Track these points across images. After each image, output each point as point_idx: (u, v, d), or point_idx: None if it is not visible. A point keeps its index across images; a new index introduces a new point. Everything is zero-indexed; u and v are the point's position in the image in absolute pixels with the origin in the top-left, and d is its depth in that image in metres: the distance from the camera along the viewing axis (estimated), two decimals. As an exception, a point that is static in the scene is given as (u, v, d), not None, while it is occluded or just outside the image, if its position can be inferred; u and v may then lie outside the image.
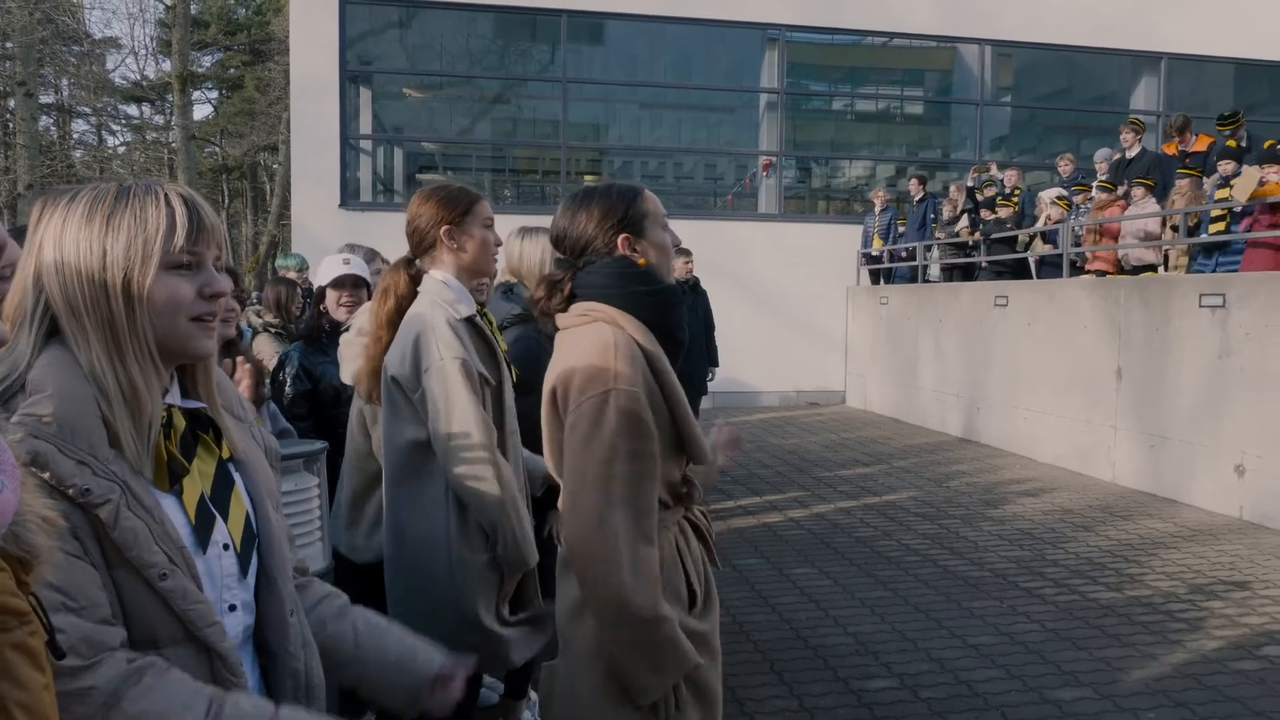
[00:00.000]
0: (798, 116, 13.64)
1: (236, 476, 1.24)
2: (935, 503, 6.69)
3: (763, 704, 3.53)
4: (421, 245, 2.35)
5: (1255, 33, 12.80)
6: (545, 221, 3.28)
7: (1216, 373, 6.46)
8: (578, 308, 1.74)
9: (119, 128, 31.78)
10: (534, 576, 2.46)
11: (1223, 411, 6.39)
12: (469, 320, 2.29)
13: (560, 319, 1.78)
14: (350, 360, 2.92)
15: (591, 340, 1.66)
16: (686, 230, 12.24)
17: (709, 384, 7.54)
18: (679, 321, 1.79)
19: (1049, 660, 3.90)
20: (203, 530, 1.14)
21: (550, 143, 13.15)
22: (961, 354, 9.71)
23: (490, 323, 2.42)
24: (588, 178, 13.75)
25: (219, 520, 1.17)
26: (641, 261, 1.76)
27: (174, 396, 1.18)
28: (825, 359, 12.37)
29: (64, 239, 1.08)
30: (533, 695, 3.37)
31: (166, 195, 1.12)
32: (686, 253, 7.50)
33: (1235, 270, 7.04)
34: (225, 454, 1.23)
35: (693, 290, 7.42)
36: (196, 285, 1.13)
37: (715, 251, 10.94)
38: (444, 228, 2.31)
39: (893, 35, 13.24)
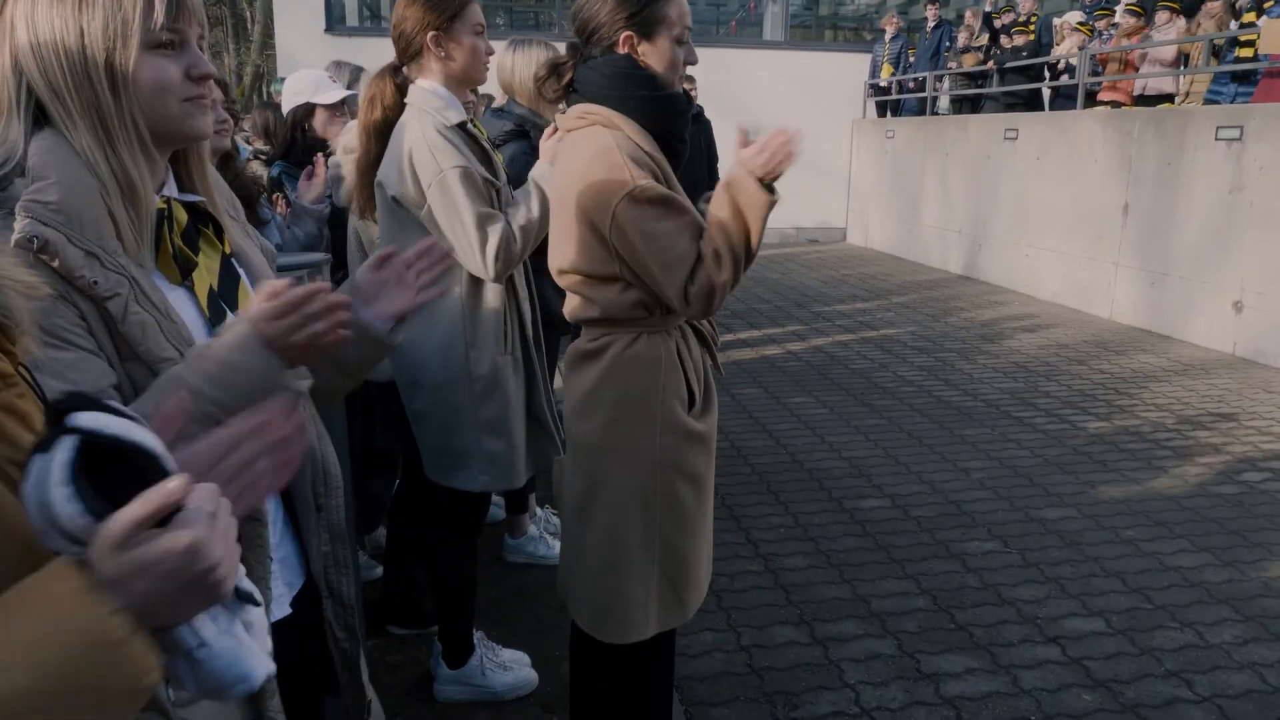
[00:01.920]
0: (809, -67, 12.80)
1: (241, 272, 1.22)
2: (932, 337, 6.75)
3: (759, 521, 3.67)
4: (407, 52, 2.23)
5: None
6: (543, 39, 3.11)
7: (1225, 208, 6.36)
8: (578, 108, 1.71)
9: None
10: (547, 387, 2.49)
11: (1228, 248, 6.34)
12: (460, 127, 2.20)
13: (562, 120, 1.75)
14: (339, 181, 2.86)
15: (592, 147, 1.64)
16: (690, 56, 11.53)
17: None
18: (680, 132, 1.74)
19: (1036, 483, 4.04)
20: (216, 322, 1.13)
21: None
22: (967, 190, 9.54)
23: (481, 132, 2.33)
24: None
25: (230, 315, 1.16)
26: (643, 63, 1.69)
27: (170, 190, 1.14)
28: (827, 195, 12.16)
29: (35, 18, 1.02)
30: (537, 510, 3.50)
31: None
32: (689, 79, 7.22)
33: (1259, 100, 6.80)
34: (228, 249, 1.20)
35: (695, 120, 7.18)
36: (183, 66, 1.07)
37: (717, 81, 10.48)
38: (430, 34, 2.17)
39: None
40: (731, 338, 6.69)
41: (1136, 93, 8.15)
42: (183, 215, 1.13)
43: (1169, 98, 7.95)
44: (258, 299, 1.07)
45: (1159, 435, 4.64)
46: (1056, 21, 9.57)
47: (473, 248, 2.14)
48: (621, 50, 1.69)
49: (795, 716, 2.47)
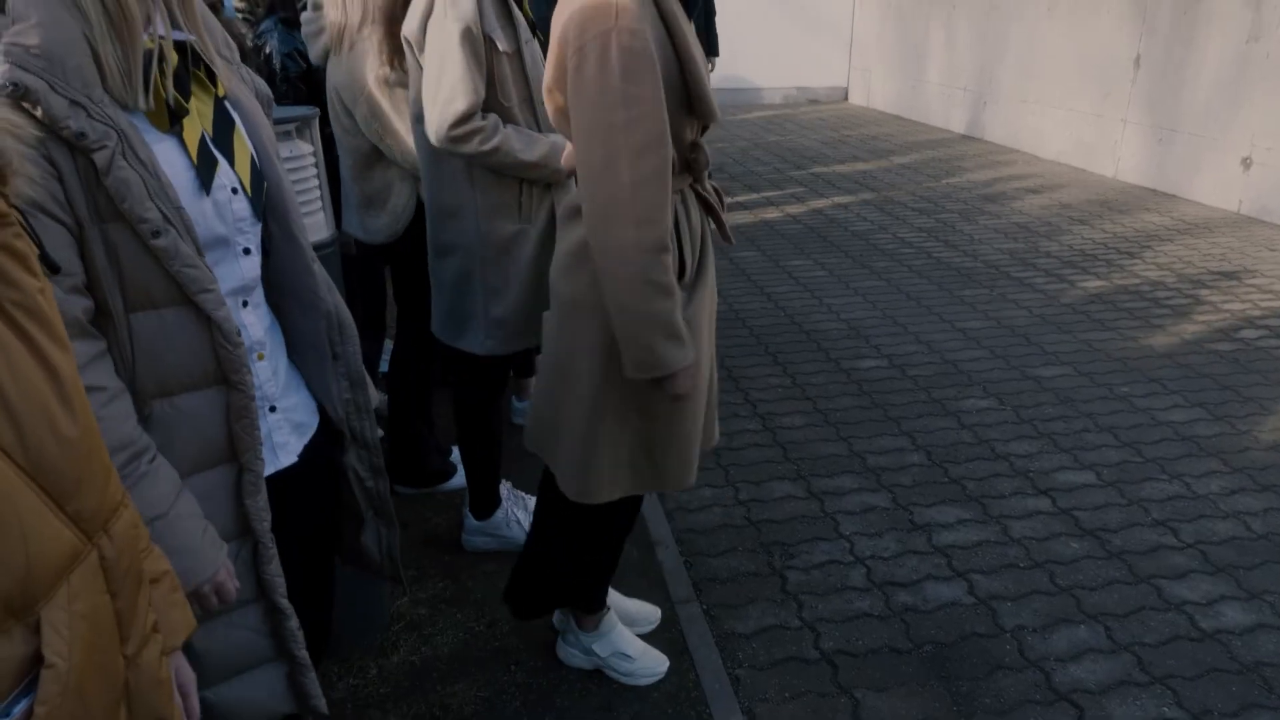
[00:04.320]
0: None
1: (235, 116, 1.17)
2: (933, 198, 6.63)
3: (757, 381, 3.70)
4: None
5: None
6: None
7: (1241, 60, 6.13)
8: None
9: None
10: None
11: (1240, 101, 6.15)
12: None
13: None
14: (314, 38, 2.71)
15: None
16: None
17: (709, 74, 7.18)
18: None
19: (1033, 342, 4.05)
20: (205, 171, 1.09)
21: None
22: (973, 44, 9.17)
23: None
24: None
25: (223, 162, 1.12)
26: None
27: (158, 28, 1.07)
28: (829, 53, 11.70)
29: None
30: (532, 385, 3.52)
31: None
32: (686, -77, 6.81)
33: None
34: (220, 92, 1.15)
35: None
36: None
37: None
38: None
39: None
40: (729, 200, 6.58)
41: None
42: (173, 56, 1.07)
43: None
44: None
45: (1158, 294, 4.63)
46: None
47: (436, 106, 2.07)
48: None
49: (791, 565, 2.55)
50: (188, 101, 1.09)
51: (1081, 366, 3.81)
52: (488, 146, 2.10)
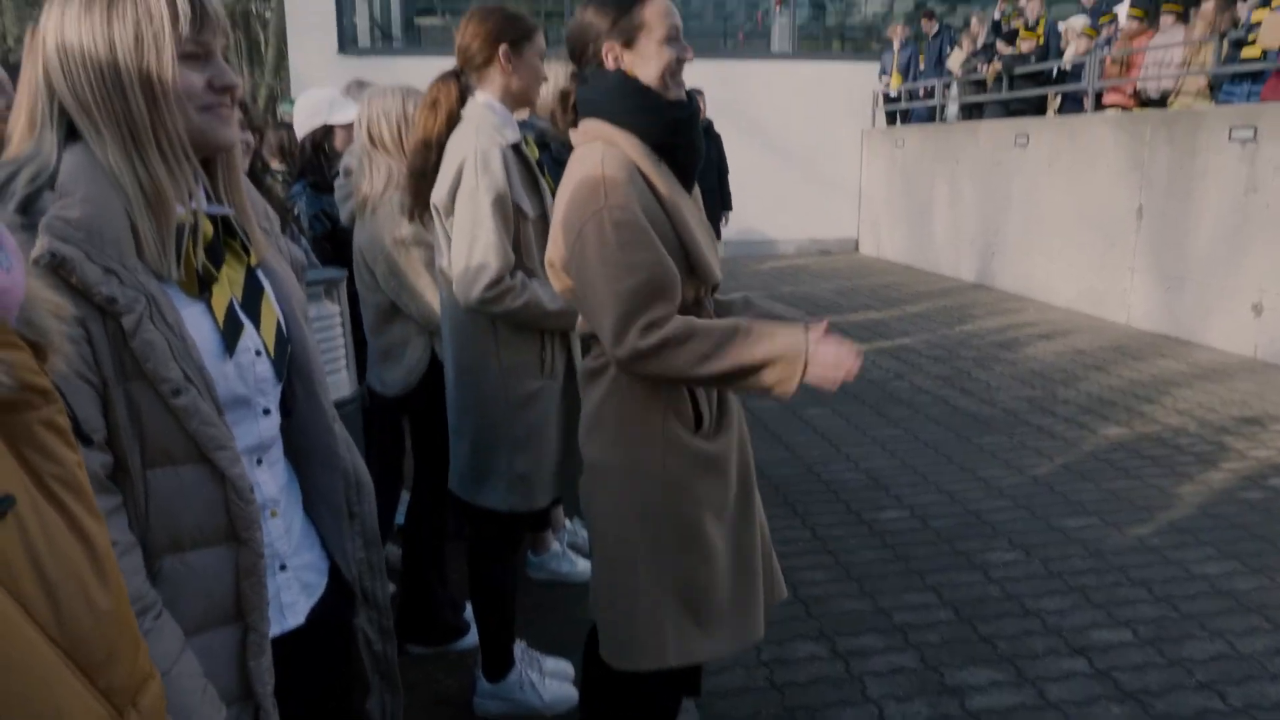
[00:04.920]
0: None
1: (265, 283, 1.23)
2: (947, 345, 6.70)
3: (777, 534, 3.62)
4: (474, 62, 2.27)
5: None
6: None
7: (1240, 210, 6.30)
8: (581, 126, 1.69)
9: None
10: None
11: (1244, 250, 6.28)
12: (515, 147, 2.23)
13: (572, 137, 1.73)
14: (345, 201, 2.88)
15: (583, 161, 1.62)
16: (696, 71, 11.65)
17: (722, 229, 7.44)
18: (683, 140, 1.68)
19: (1056, 491, 3.99)
20: (230, 335, 1.14)
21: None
22: (978, 197, 9.50)
23: (534, 152, 2.36)
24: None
25: (248, 327, 1.17)
26: (632, 73, 1.65)
27: (200, 202, 1.15)
28: (839, 205, 12.14)
29: (65, 32, 1.03)
30: (566, 523, 3.49)
31: None
32: (698, 93, 7.24)
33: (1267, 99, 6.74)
34: (254, 261, 1.21)
35: (705, 134, 7.19)
36: (206, 77, 1.08)
37: (727, 93, 10.52)
38: (504, 46, 2.24)
39: None
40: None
41: (1142, 96, 8.09)
42: (209, 228, 1.14)
43: (1166, 99, 7.89)
44: None
45: (1181, 441, 4.58)
46: (1062, 26, 9.55)
47: (468, 269, 2.16)
48: (609, 64, 1.66)
49: (818, 733, 2.43)
50: (219, 269, 1.14)
51: (1108, 516, 3.73)
52: (518, 303, 2.18)
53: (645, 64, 1.65)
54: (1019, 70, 9.49)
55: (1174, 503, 3.85)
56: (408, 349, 2.73)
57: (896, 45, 11.49)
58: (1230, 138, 6.38)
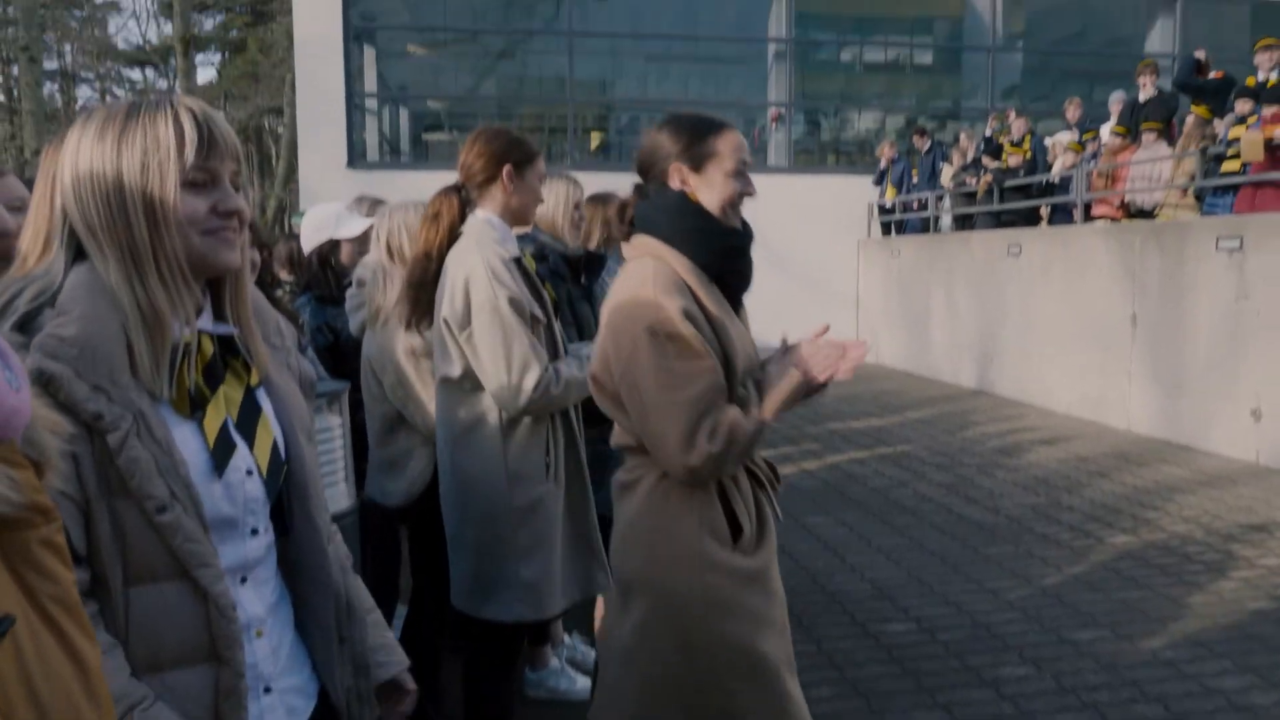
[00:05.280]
0: (806, 68, 13.43)
1: (265, 404, 1.23)
2: (949, 452, 6.69)
3: (782, 648, 3.56)
4: (477, 179, 2.36)
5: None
6: (572, 174, 3.27)
7: (1233, 317, 6.40)
8: (634, 240, 1.73)
9: (122, 92, 31.58)
10: (594, 516, 2.50)
11: (1239, 356, 6.34)
12: (515, 261, 2.30)
13: (624, 249, 1.77)
14: (355, 312, 2.94)
15: (632, 275, 1.66)
16: (696, 184, 11.96)
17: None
18: (733, 266, 1.73)
19: (1066, 602, 3.92)
20: (221, 455, 1.13)
21: (556, 98, 13.00)
22: (974, 305, 9.65)
23: (532, 263, 2.43)
24: (594, 134, 13.62)
25: (241, 447, 1.17)
26: (694, 197, 1.69)
27: (205, 321, 1.17)
28: (838, 313, 12.30)
29: (79, 158, 1.08)
30: (565, 639, 3.41)
31: (176, 111, 1.09)
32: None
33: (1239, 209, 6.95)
34: (254, 381, 1.22)
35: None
36: (211, 201, 1.11)
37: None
38: (509, 166, 2.33)
39: (902, -20, 12.98)
40: (746, 457, 6.65)
41: (1130, 208, 8.34)
42: (209, 348, 1.15)
43: (1153, 212, 8.13)
44: None
45: (1189, 549, 4.53)
46: (1048, 141, 9.90)
47: (510, 377, 2.21)
48: (673, 184, 1.71)
49: None
50: (216, 389, 1.15)
51: (1120, 628, 3.65)
52: (559, 389, 2.25)
53: (709, 191, 1.70)
54: (1008, 183, 9.79)
55: (1185, 613, 3.77)
56: (412, 459, 2.74)
57: (885, 162, 11.88)
58: (1217, 247, 6.53)
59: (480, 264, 2.23)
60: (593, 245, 3.88)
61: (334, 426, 2.13)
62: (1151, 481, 5.78)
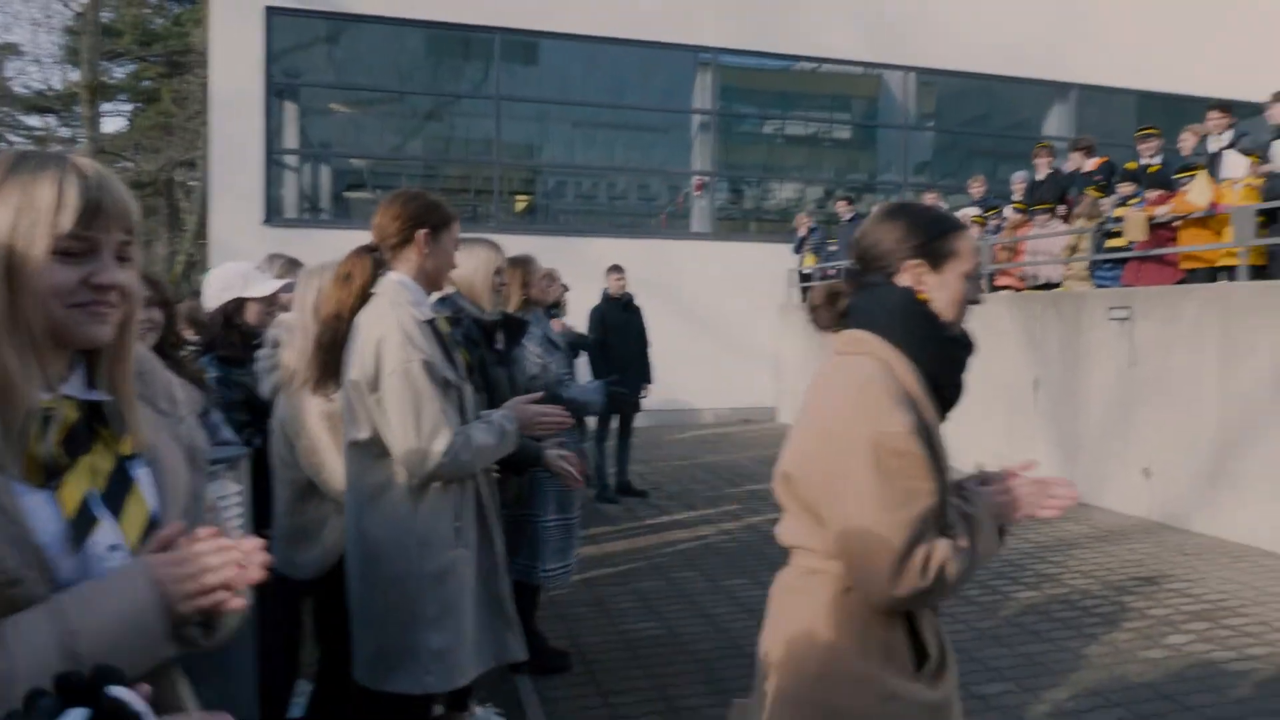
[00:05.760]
0: (730, 138, 13.88)
1: (140, 475, 1.14)
2: (864, 512, 6.83)
3: (700, 713, 3.57)
4: (391, 241, 2.36)
5: (1154, 67, 13.54)
6: (490, 238, 3.31)
7: (1125, 381, 6.78)
8: (850, 334, 1.58)
9: (18, 139, 30.46)
10: (507, 582, 2.48)
11: (1131, 419, 6.71)
12: (429, 323, 2.31)
13: (836, 341, 1.62)
14: (268, 373, 2.87)
15: (851, 373, 1.51)
16: (621, 249, 12.30)
17: (643, 400, 7.62)
18: (956, 378, 1.61)
19: (975, 657, 4.03)
20: (80, 529, 1.05)
21: (483, 160, 13.14)
22: (888, 368, 9.95)
23: (446, 326, 2.45)
24: (520, 198, 13.79)
25: (106, 521, 1.08)
26: (923, 296, 1.57)
27: (74, 387, 1.09)
28: (758, 376, 12.56)
29: None
30: (477, 711, 3.34)
31: (64, 171, 1.03)
32: (619, 269, 7.60)
33: (1125, 281, 7.43)
34: (127, 450, 1.13)
35: (625, 309, 7.51)
36: (83, 273, 1.04)
37: (650, 270, 11.05)
38: (425, 230, 2.34)
39: (821, 61, 13.62)
40: (667, 519, 6.70)
41: (1029, 282, 8.81)
42: (71, 414, 1.07)
43: (1056, 285, 8.61)
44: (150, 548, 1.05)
45: (1087, 602, 4.72)
46: (960, 214, 10.42)
47: (419, 441, 2.18)
48: (904, 280, 1.57)
49: None
50: (75, 459, 1.07)
51: (1024, 681, 3.78)
52: (468, 455, 2.23)
53: (943, 292, 1.58)
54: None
55: (1084, 664, 3.93)
56: (325, 529, 2.66)
57: (803, 230, 12.30)
58: (1109, 317, 6.94)
59: (393, 326, 2.22)
60: (512, 309, 3.92)
61: (231, 493, 2.08)
62: (1053, 538, 6.02)
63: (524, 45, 12.82)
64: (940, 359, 1.57)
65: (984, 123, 15.00)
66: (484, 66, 12.89)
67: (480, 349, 3.11)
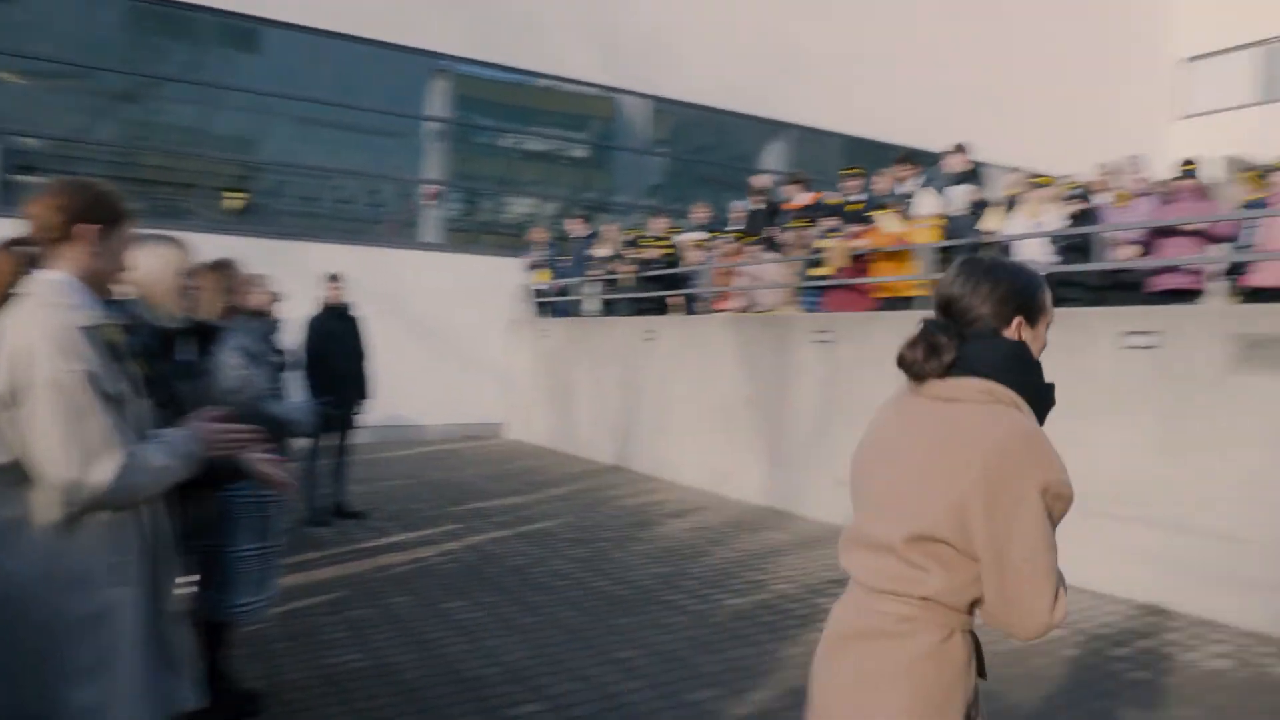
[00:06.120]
0: (465, 149, 13.66)
1: None
2: (587, 527, 6.91)
3: (406, 744, 3.36)
4: (52, 235, 2.03)
5: (858, 111, 15.14)
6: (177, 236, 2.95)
7: (826, 399, 7.40)
8: (977, 384, 1.67)
9: None
10: (178, 622, 2.19)
11: (829, 433, 7.33)
12: (95, 329, 1.99)
13: (940, 388, 1.70)
14: None
15: (1009, 427, 1.62)
16: (345, 256, 11.71)
17: (357, 416, 7.21)
18: (1046, 415, 1.74)
19: (686, 665, 4.15)
20: None
21: (189, 151, 11.94)
22: (615, 385, 10.22)
23: (118, 334, 2.10)
24: (231, 194, 12.67)
25: None
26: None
27: None
28: (487, 392, 12.40)
29: None
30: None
31: None
32: (336, 277, 7.17)
33: (827, 308, 8.16)
34: None
35: (342, 319, 7.10)
36: None
37: (375, 279, 10.57)
38: (98, 226, 2.06)
39: (559, 80, 13.79)
40: (385, 541, 6.36)
41: (745, 307, 9.40)
42: None
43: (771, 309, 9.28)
44: None
45: (788, 605, 5.04)
46: (681, 239, 10.93)
47: (80, 463, 1.89)
48: (1010, 333, 1.73)
49: None
50: None
51: (733, 685, 3.93)
52: (140, 479, 1.97)
53: (1035, 342, 1.75)
54: (645, 274, 10.60)
55: (785, 665, 4.16)
56: None
57: (537, 246, 12.36)
58: (813, 340, 7.55)
59: (44, 332, 1.92)
60: (211, 316, 3.52)
61: None
62: (760, 546, 6.40)
63: (241, 30, 11.82)
64: (1043, 403, 1.72)
65: (710, 152, 15.93)
66: (193, 48, 11.73)
67: (160, 360, 2.74)
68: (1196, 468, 5.02)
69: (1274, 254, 6.04)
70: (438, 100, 12.82)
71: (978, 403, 1.66)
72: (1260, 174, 7.06)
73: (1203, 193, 6.96)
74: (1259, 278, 6.30)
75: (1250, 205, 6.74)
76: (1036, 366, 1.74)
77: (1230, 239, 6.67)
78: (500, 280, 12.59)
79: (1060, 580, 1.61)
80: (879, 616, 1.67)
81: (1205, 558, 4.95)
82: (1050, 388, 1.74)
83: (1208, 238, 6.63)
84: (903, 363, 1.75)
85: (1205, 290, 6.85)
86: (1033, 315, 1.75)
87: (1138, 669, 4.19)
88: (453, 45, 12.43)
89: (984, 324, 1.73)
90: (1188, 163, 7.07)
